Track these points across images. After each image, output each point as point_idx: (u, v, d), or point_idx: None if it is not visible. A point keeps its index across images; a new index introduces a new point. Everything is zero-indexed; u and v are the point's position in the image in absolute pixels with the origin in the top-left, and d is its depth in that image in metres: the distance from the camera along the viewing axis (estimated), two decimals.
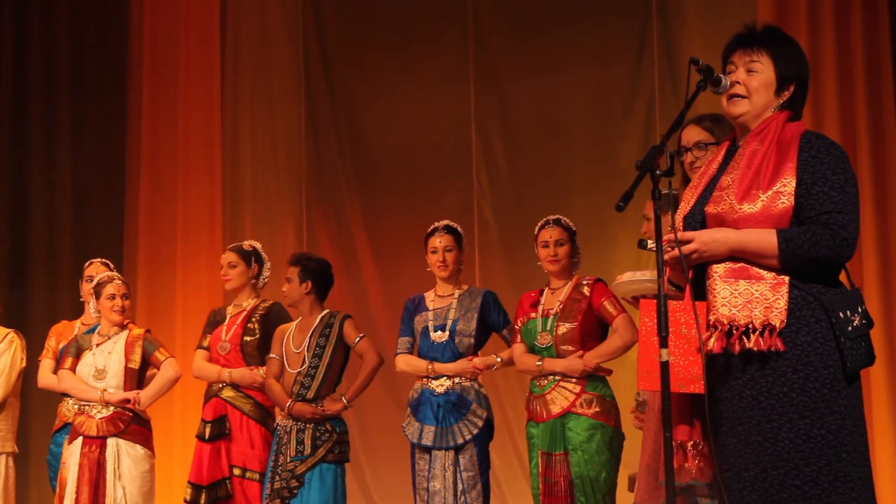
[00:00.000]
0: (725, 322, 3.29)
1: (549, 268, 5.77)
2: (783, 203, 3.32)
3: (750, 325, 3.27)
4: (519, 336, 5.86)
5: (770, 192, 3.32)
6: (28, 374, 6.94)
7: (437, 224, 6.11)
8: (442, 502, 5.74)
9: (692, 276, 3.42)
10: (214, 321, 6.57)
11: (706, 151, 4.15)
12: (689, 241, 3.35)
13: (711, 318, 3.33)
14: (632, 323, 5.49)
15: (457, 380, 5.89)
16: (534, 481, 5.62)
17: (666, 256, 3.36)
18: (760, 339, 3.26)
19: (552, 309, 5.65)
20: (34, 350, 6.94)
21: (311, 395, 6.08)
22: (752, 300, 3.28)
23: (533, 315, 5.79)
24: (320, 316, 6.22)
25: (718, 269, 3.35)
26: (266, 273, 6.65)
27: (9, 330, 6.82)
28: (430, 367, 5.92)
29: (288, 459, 6.00)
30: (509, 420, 7.90)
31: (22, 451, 7.08)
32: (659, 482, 3.71)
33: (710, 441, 3.39)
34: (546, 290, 5.83)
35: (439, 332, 5.95)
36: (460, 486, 5.76)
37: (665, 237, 3.34)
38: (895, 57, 7.23)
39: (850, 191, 3.36)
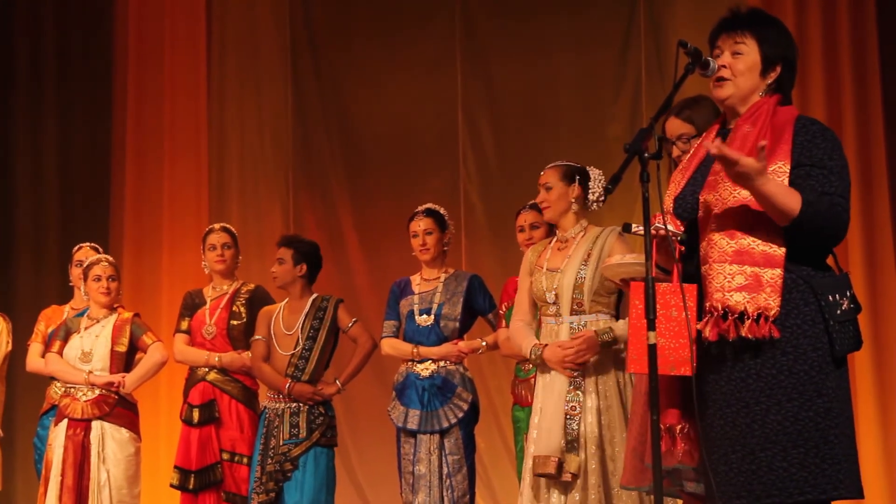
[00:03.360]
0: (720, 307, 3.29)
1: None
2: None
3: (744, 312, 3.27)
4: (504, 320, 5.86)
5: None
6: (14, 358, 6.92)
7: (418, 208, 6.11)
8: (427, 486, 5.75)
9: (680, 259, 3.42)
10: (193, 304, 6.53)
11: (690, 144, 4.16)
12: (730, 153, 3.24)
13: (706, 304, 3.32)
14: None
15: (442, 363, 5.90)
16: (519, 465, 5.62)
17: (655, 230, 3.35)
18: (755, 326, 3.26)
19: None
20: (20, 334, 6.92)
21: (305, 377, 6.08)
22: (746, 286, 3.28)
23: None
24: (311, 299, 6.22)
25: (713, 254, 3.34)
26: (239, 256, 6.65)
27: None
28: (415, 350, 5.93)
29: (281, 442, 5.99)
30: (495, 404, 7.91)
31: (7, 436, 7.06)
32: (645, 465, 3.70)
33: (696, 424, 3.40)
34: None
35: (424, 316, 5.95)
36: (445, 470, 5.77)
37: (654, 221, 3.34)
38: (881, 44, 7.25)
39: (846, 177, 3.37)
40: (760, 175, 3.20)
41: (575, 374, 4.84)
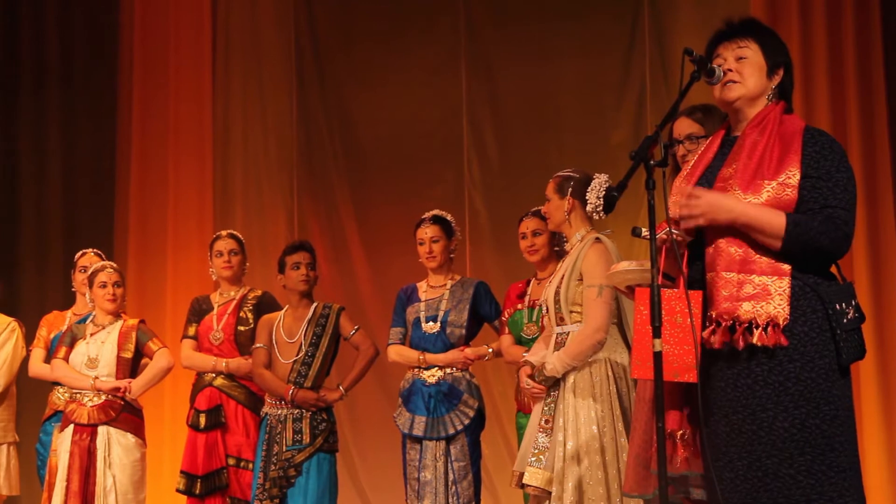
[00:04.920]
0: (728, 318, 3.30)
1: (529, 258, 5.79)
2: (788, 195, 3.32)
3: (753, 322, 3.27)
4: (507, 327, 5.87)
5: (775, 183, 3.33)
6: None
7: (425, 215, 6.11)
8: (433, 492, 5.75)
9: (687, 262, 3.42)
10: (200, 310, 6.55)
11: (697, 144, 4.15)
12: (692, 210, 3.34)
13: (713, 313, 3.33)
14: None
15: (448, 370, 5.90)
16: None
17: (661, 237, 3.36)
18: (764, 335, 3.26)
19: (538, 300, 5.60)
20: (25, 339, 6.93)
21: (308, 383, 6.07)
22: (754, 295, 3.29)
23: (520, 306, 5.80)
24: (314, 307, 6.21)
25: (720, 262, 3.35)
26: (246, 263, 6.66)
27: (10, 319, 6.83)
28: (421, 357, 5.93)
29: (284, 448, 5.99)
30: (499, 410, 7.91)
31: None
32: (651, 472, 3.70)
33: (700, 430, 3.40)
34: (532, 280, 5.83)
35: (431, 323, 5.95)
36: (451, 477, 5.77)
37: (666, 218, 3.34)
38: (886, 53, 7.24)
39: (852, 189, 3.39)
40: (732, 210, 3.29)
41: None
